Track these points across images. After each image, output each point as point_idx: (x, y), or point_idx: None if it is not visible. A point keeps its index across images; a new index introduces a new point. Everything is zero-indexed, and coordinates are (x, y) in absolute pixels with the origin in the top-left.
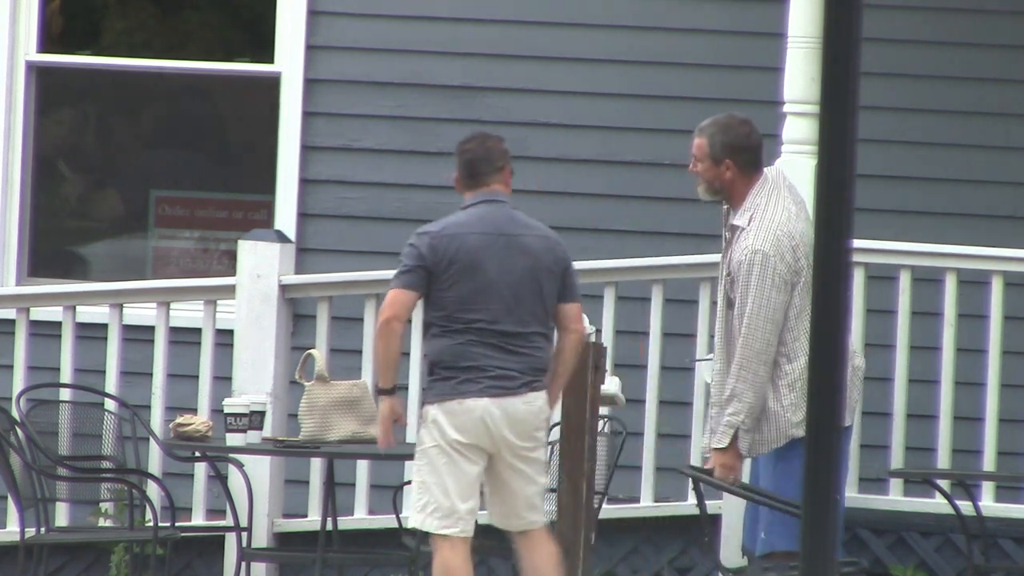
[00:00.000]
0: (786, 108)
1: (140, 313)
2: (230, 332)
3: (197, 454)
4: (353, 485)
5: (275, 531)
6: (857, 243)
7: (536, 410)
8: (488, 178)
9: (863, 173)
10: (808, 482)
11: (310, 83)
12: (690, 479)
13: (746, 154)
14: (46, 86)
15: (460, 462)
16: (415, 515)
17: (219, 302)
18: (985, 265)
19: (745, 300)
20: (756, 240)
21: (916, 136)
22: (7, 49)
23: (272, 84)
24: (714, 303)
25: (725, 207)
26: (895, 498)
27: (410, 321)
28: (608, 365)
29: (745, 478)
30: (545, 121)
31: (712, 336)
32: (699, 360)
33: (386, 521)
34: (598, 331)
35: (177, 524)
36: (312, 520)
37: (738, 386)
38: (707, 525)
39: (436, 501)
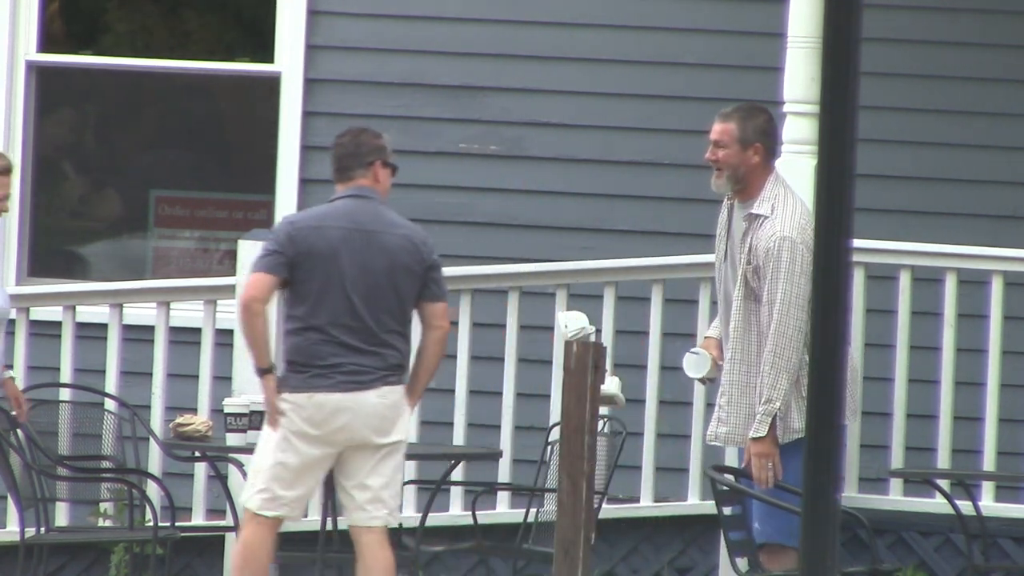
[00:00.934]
0: (786, 108)
1: (140, 313)
2: (230, 332)
3: (197, 454)
4: None
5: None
6: (857, 243)
7: (391, 404)
8: (354, 172)
9: (863, 173)
10: (808, 482)
11: (310, 83)
12: (711, 481)
13: (771, 139)
14: (46, 86)
15: (301, 453)
16: (245, 491)
17: (219, 302)
18: (985, 265)
19: (775, 288)
20: (782, 227)
21: (916, 136)
22: (7, 49)
23: (272, 84)
24: (715, 303)
25: (728, 201)
26: (895, 498)
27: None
28: (608, 365)
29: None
30: (545, 121)
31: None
32: (691, 352)
33: None
34: (598, 331)
35: (177, 524)
36: (312, 520)
37: (772, 374)
38: (725, 528)
39: (263, 484)
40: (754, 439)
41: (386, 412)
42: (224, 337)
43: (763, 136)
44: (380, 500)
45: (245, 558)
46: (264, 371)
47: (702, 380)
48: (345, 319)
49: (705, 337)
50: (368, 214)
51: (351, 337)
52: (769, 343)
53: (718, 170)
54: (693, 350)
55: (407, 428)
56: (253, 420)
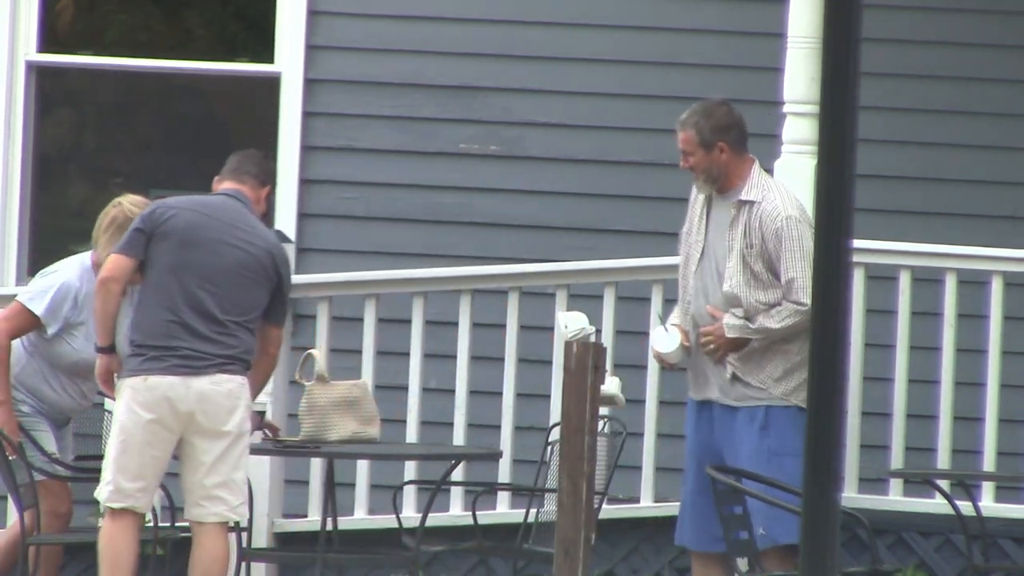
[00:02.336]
0: (786, 108)
1: None
2: None
3: None
4: (353, 485)
5: (275, 531)
6: (857, 243)
7: (225, 392)
8: (246, 179)
9: (863, 173)
10: (808, 482)
11: (310, 83)
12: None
13: (735, 131)
14: (46, 86)
15: (140, 441)
16: (100, 486)
17: None
18: (985, 265)
19: (795, 263)
20: (784, 207)
21: (916, 136)
22: (7, 49)
23: (272, 84)
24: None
25: (700, 196)
26: (895, 498)
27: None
28: (608, 365)
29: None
30: (545, 121)
31: None
32: (663, 326)
33: (386, 521)
34: (598, 331)
35: (177, 524)
36: (312, 520)
37: (776, 320)
38: (726, 528)
39: (111, 476)
40: (727, 335)
41: (220, 399)
42: None
43: (723, 132)
44: (217, 498)
45: (105, 550)
46: (102, 350)
47: (665, 360)
48: (192, 301)
49: (672, 325)
50: (237, 212)
51: (195, 320)
52: (792, 304)
53: (695, 174)
54: (667, 326)
55: (245, 421)
56: (254, 421)
